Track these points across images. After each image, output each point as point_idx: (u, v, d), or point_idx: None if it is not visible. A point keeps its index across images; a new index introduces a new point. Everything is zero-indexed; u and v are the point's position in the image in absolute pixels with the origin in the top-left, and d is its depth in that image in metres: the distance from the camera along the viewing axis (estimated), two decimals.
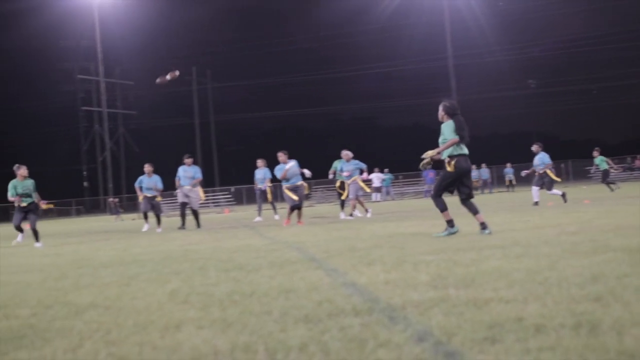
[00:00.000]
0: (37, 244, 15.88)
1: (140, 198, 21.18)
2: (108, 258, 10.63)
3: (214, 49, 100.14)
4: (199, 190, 20.74)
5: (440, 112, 11.20)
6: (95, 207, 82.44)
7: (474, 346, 3.52)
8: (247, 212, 34.45)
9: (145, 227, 20.56)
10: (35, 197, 16.38)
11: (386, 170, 48.28)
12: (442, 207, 11.11)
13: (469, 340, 3.64)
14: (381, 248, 9.07)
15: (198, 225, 20.48)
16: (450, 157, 10.91)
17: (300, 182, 18.75)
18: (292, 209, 18.58)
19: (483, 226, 10.81)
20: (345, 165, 21.43)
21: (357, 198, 21.05)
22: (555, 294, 4.73)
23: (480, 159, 52.64)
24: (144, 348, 3.90)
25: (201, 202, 21.56)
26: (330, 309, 4.71)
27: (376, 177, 45.88)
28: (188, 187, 20.16)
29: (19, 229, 16.91)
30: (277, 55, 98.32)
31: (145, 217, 22.04)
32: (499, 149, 76.95)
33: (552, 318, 4.01)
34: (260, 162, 25.28)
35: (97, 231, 24.68)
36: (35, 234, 16.18)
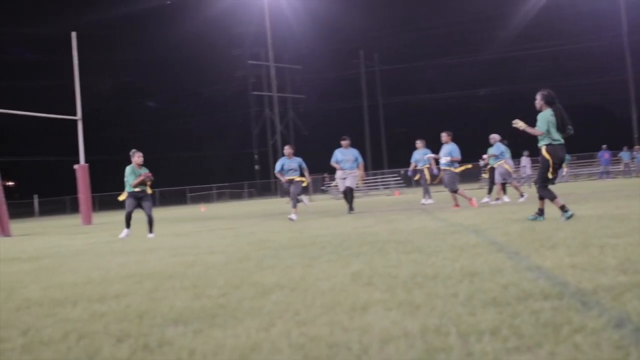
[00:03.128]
0: (150, 235, 15.37)
1: (284, 180, 19.41)
2: (286, 240, 10.86)
3: (381, 32, 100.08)
4: (358, 173, 20.39)
5: (539, 100, 11.31)
6: (266, 190, 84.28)
7: None
8: (417, 194, 34.32)
9: (293, 217, 18.30)
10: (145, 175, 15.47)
11: None
12: (551, 196, 11.10)
13: None
14: (562, 231, 8.84)
15: (351, 207, 20.03)
16: (547, 145, 11.03)
17: (445, 167, 18.56)
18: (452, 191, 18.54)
19: (540, 212, 11.32)
20: (490, 149, 21.19)
21: (504, 181, 20.67)
22: None
23: None
24: (334, 329, 3.94)
25: (358, 186, 20.81)
26: (518, 292, 4.63)
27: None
28: (351, 171, 19.78)
29: (129, 219, 15.76)
30: (444, 37, 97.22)
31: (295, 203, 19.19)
32: None
33: None
34: (419, 143, 24.86)
35: (271, 213, 25.21)
36: (150, 224, 15.58)
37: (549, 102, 11.19)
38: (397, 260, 6.83)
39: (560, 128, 11.00)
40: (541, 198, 11.32)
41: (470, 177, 46.49)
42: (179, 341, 3.93)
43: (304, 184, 19.29)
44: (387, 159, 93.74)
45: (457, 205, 18.39)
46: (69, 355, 3.80)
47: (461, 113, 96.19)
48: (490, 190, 21.82)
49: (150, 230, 15.53)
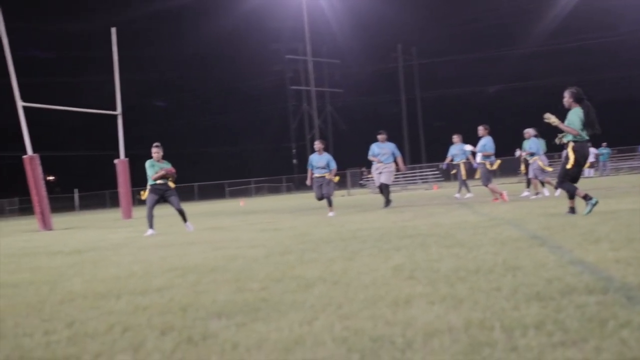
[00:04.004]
0: (188, 227, 15.26)
1: (308, 181, 18.99)
2: (326, 234, 10.87)
3: (419, 25, 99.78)
4: (394, 167, 20.15)
5: (568, 98, 11.39)
6: (304, 184, 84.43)
7: None
8: (456, 188, 34.21)
9: (331, 214, 17.85)
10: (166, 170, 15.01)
11: (604, 144, 45.88)
12: (572, 189, 11.23)
13: None
14: (605, 225, 8.75)
15: (387, 202, 19.77)
16: (575, 142, 11.16)
17: (479, 161, 18.62)
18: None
19: (572, 210, 11.34)
20: (525, 144, 21.07)
21: (536, 177, 20.48)
22: None
23: None
24: (378, 322, 3.94)
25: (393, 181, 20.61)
26: (561, 286, 4.59)
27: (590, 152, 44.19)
28: (386, 165, 19.64)
29: (151, 218, 14.91)
30: (483, 30, 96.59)
31: (322, 199, 18.84)
32: None
33: None
34: (456, 138, 24.67)
35: (309, 207, 25.22)
36: (183, 215, 15.29)
37: (578, 100, 11.28)
38: (438, 254, 6.82)
39: (588, 126, 11.04)
40: (571, 197, 11.37)
41: (509, 171, 46.20)
42: (223, 334, 3.94)
43: (335, 180, 18.76)
44: (425, 153, 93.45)
45: (496, 199, 18.32)
46: (114, 347, 3.83)
47: (500, 106, 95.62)
48: (528, 184, 21.70)
49: (185, 220, 15.37)
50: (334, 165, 18.49)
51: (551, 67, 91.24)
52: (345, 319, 4.11)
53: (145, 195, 15.20)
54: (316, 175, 18.55)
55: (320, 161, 18.50)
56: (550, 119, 11.40)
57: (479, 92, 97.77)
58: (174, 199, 15.08)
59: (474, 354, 3.16)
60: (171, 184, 15.15)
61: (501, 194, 18.14)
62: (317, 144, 18.81)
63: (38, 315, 5.01)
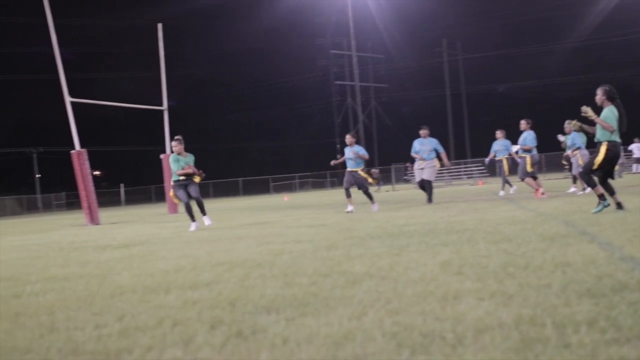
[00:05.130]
0: (206, 220, 15.28)
1: (333, 162, 19.44)
2: (372, 229, 10.85)
3: (464, 20, 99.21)
4: (436, 163, 19.95)
5: (601, 96, 11.34)
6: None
7: None
8: (500, 184, 33.99)
9: (349, 208, 18.13)
10: (193, 169, 15.06)
11: None
12: (592, 184, 11.26)
13: None
14: None
15: (429, 199, 19.56)
16: (610, 142, 11.10)
17: (520, 155, 18.70)
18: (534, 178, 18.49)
19: (619, 206, 11.15)
20: (567, 139, 20.83)
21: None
22: None
23: None
24: (427, 318, 3.92)
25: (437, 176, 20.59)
26: (613, 283, 4.54)
27: (636, 148, 43.58)
28: (429, 162, 19.37)
29: (190, 211, 14.92)
30: (528, 24, 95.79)
31: (348, 194, 18.67)
32: None
33: None
34: (499, 134, 24.35)
35: (354, 203, 25.14)
36: (201, 206, 15.21)
37: (611, 98, 11.23)
38: (486, 250, 6.78)
39: (620, 125, 11.10)
40: (612, 193, 11.30)
41: (554, 166, 45.80)
42: (272, 328, 3.95)
43: (370, 181, 18.58)
44: (470, 148, 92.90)
45: (543, 193, 18.17)
46: (165, 341, 3.86)
47: (545, 101, 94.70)
48: (575, 180, 21.49)
49: (204, 213, 15.33)
50: (362, 152, 18.24)
51: (598, 61, 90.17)
52: (394, 314, 4.11)
53: (173, 195, 15.34)
54: (349, 168, 18.41)
55: (349, 153, 18.37)
56: (588, 112, 11.35)
57: (525, 86, 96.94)
58: (193, 188, 15.09)
59: (525, 351, 3.14)
60: (196, 179, 15.20)
61: (537, 190, 18.01)
62: (348, 138, 18.64)
63: (89, 308, 5.07)
